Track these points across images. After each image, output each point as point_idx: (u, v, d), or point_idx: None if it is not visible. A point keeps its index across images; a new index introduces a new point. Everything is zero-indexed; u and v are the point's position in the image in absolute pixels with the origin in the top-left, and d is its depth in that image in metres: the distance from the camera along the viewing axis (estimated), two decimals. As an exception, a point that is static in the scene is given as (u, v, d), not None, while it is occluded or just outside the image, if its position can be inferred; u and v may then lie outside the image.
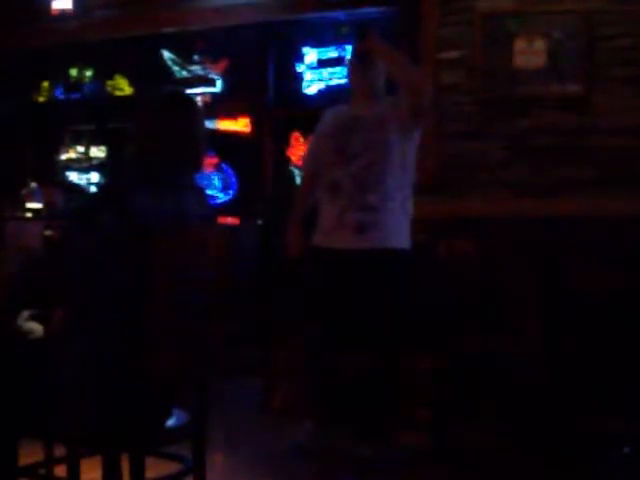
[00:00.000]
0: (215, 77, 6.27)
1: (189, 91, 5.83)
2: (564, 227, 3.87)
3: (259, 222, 5.78)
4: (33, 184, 5.55)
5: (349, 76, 3.47)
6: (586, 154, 4.00)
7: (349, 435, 3.27)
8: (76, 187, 6.62)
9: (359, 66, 3.34)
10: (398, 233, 3.25)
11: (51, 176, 6.49)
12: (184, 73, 6.36)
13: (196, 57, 6.30)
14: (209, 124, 5.90)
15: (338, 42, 5.75)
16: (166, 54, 6.38)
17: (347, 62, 3.62)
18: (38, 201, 5.36)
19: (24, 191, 5.44)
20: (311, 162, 3.48)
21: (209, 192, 6.01)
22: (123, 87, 6.62)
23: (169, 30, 5.60)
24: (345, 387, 3.31)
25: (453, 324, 3.78)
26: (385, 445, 3.22)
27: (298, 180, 5.78)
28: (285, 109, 5.99)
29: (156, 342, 2.13)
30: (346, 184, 3.24)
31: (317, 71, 5.86)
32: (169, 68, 6.39)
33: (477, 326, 3.84)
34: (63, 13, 5.68)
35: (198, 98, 6.03)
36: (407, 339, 3.33)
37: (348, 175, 3.23)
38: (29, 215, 5.28)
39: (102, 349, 2.16)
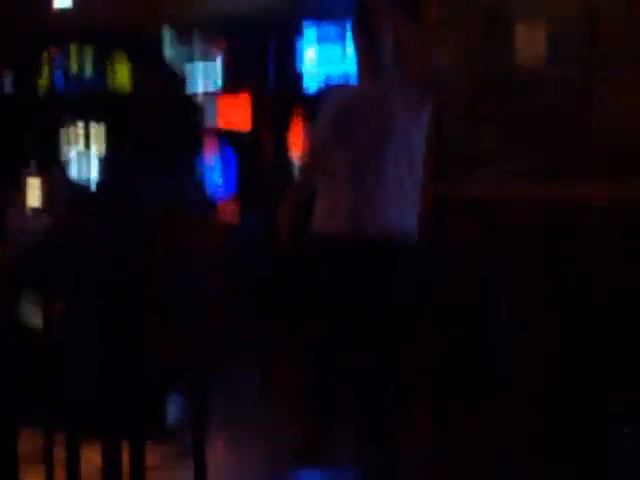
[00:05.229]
0: (215, 60, 6.24)
1: (189, 73, 5.84)
2: (565, 213, 3.86)
3: (260, 212, 5.78)
4: (32, 163, 5.55)
5: (354, 49, 3.12)
6: (587, 139, 3.98)
7: (350, 439, 3.00)
8: (77, 176, 6.61)
9: (363, 36, 3.00)
10: (398, 222, 2.97)
11: (51, 164, 6.49)
12: (183, 55, 6.34)
13: (196, 40, 6.28)
14: (209, 109, 5.89)
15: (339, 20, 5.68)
16: (166, 37, 6.35)
17: (351, 32, 3.18)
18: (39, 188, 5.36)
19: (24, 172, 5.45)
20: (313, 149, 3.23)
21: (209, 181, 5.99)
22: (124, 76, 6.60)
23: (170, 13, 5.61)
24: (346, 387, 3.07)
25: (453, 313, 3.78)
26: (387, 448, 2.96)
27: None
28: (286, 94, 5.96)
29: (156, 330, 2.13)
30: (343, 166, 2.97)
31: (318, 60, 5.82)
32: (169, 50, 6.37)
33: (478, 313, 3.84)
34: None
35: (198, 81, 6.01)
36: (406, 334, 3.06)
37: (345, 156, 2.97)
38: (30, 204, 5.28)
39: (103, 337, 2.16)
